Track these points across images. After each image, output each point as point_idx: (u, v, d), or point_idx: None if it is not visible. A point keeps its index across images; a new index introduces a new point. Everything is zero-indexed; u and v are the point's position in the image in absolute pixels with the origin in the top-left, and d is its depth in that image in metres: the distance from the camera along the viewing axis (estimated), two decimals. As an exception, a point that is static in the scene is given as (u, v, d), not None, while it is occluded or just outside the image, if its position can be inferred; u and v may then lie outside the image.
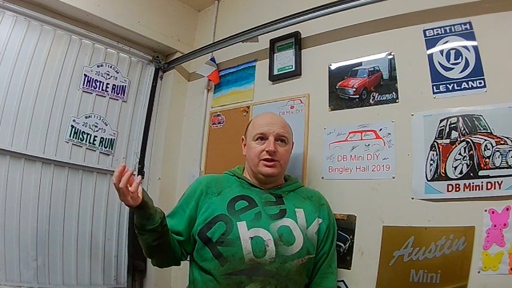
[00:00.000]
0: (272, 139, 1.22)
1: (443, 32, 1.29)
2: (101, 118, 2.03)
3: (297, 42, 1.70)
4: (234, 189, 1.23)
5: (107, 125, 2.05)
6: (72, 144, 1.91)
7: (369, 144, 1.38)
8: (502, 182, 1.07)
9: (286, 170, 1.33)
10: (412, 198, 1.23)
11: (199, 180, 1.29)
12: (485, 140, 1.12)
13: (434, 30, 1.30)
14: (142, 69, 2.26)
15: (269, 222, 1.15)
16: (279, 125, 1.25)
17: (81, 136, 1.95)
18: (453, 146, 1.18)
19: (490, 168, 1.10)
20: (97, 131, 2.01)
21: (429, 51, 1.30)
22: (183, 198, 1.26)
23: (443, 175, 1.18)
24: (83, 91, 1.97)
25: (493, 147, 1.10)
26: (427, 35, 1.32)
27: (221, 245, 1.11)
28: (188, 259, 1.26)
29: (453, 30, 1.26)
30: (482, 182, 1.10)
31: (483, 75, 1.17)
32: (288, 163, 1.30)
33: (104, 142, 2.03)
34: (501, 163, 1.08)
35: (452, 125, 1.19)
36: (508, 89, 1.12)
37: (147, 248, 1.13)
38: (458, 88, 1.21)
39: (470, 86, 1.19)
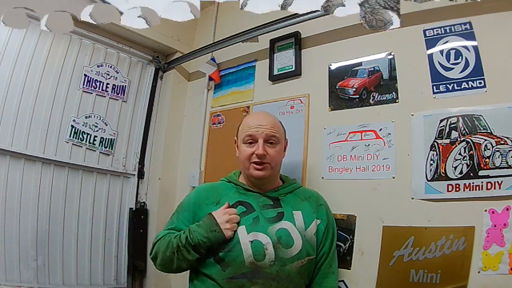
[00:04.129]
0: (261, 141, 1.20)
1: (443, 32, 1.29)
2: (101, 118, 2.03)
3: (297, 42, 1.70)
4: (231, 196, 1.23)
5: (107, 125, 2.05)
6: (72, 144, 1.91)
7: (369, 144, 1.38)
8: (502, 182, 1.07)
9: (287, 170, 1.32)
10: (412, 198, 1.23)
11: (197, 190, 1.30)
12: (485, 140, 1.12)
13: (434, 30, 1.30)
14: (142, 69, 2.26)
15: (267, 226, 1.15)
16: (268, 126, 1.22)
17: (81, 136, 1.95)
18: (453, 146, 1.18)
19: (490, 168, 1.10)
20: (97, 131, 2.01)
21: (429, 51, 1.30)
22: (182, 211, 1.25)
23: (443, 175, 1.18)
24: (83, 91, 1.97)
25: (493, 147, 1.10)
26: (427, 35, 1.32)
27: (222, 251, 1.12)
28: None
29: (453, 30, 1.26)
30: (482, 182, 1.10)
31: (483, 75, 1.17)
32: (280, 164, 1.28)
33: (104, 142, 2.03)
34: (501, 163, 1.08)
35: (452, 125, 1.19)
36: (508, 89, 1.12)
37: (187, 263, 1.14)
38: (458, 88, 1.21)
39: (470, 86, 1.19)
